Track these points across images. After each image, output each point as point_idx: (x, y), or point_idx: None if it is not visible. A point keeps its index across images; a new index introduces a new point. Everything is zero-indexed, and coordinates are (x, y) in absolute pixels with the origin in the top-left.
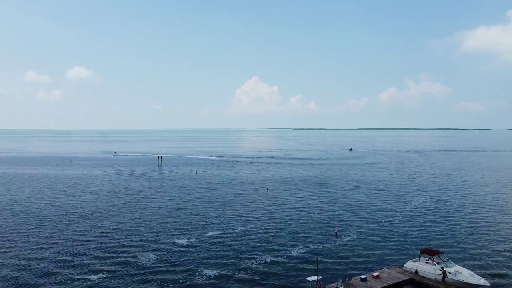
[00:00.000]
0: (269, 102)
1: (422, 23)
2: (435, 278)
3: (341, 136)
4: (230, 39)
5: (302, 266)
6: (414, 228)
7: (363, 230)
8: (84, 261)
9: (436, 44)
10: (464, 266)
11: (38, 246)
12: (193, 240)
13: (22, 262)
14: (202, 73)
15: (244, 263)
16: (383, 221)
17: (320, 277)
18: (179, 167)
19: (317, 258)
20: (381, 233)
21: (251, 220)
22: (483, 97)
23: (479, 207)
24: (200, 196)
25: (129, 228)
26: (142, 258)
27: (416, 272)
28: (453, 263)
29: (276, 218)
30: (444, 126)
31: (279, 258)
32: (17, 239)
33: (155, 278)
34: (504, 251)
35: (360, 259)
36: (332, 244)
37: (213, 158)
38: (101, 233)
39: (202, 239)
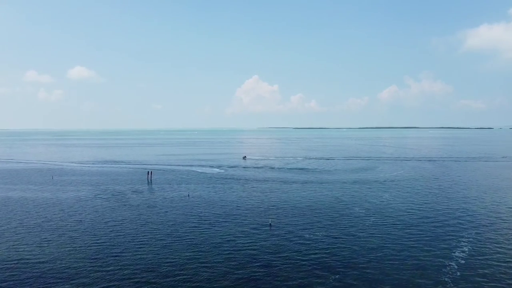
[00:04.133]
0: (270, 101)
1: (424, 21)
2: None
3: (345, 138)
4: (230, 38)
5: None
6: None
7: None
8: None
9: (438, 42)
10: None
11: None
12: None
13: None
14: (202, 72)
15: None
16: None
17: None
18: (171, 185)
19: None
20: None
21: None
22: (484, 95)
23: None
24: (188, 241)
25: None
26: None
27: None
28: None
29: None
30: (445, 125)
31: None
32: None
33: None
34: None
35: None
36: None
37: (211, 171)
38: None
39: None
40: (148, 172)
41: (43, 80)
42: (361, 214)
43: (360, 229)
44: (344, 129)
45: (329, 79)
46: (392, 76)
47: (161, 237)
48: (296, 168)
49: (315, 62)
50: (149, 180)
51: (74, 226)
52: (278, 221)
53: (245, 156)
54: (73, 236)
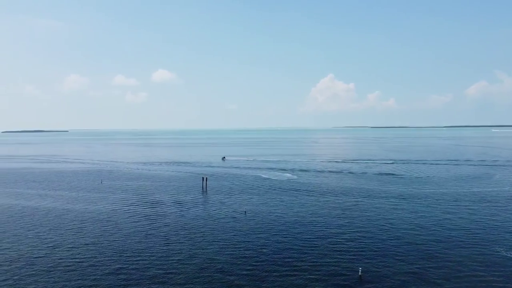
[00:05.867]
0: (345, 99)
1: None
2: None
3: (431, 137)
4: (304, 39)
5: None
6: None
7: None
8: None
9: None
10: None
11: None
12: None
13: None
14: (276, 73)
15: None
16: None
17: None
18: (227, 196)
19: None
20: None
21: None
22: None
23: None
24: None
25: None
26: None
27: None
28: None
29: None
30: None
31: None
32: None
33: None
34: None
35: None
36: None
37: (279, 176)
38: None
39: None
40: (203, 178)
41: (130, 84)
42: None
43: None
44: (427, 128)
45: (409, 75)
46: (481, 70)
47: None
48: (383, 174)
49: (393, 58)
50: (204, 187)
51: (106, 252)
52: (372, 269)
53: (224, 157)
54: (100, 270)
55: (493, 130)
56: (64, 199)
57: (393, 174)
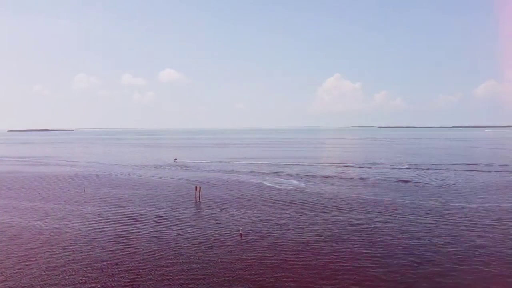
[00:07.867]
0: (351, 99)
1: None
2: None
3: (444, 138)
4: (311, 38)
5: None
6: None
7: None
8: None
9: None
10: None
11: None
12: None
13: None
14: (284, 71)
15: None
16: None
17: None
18: (222, 210)
19: None
20: None
21: None
22: None
23: None
24: None
25: None
26: None
27: None
28: None
29: None
30: None
31: None
32: None
33: None
34: None
35: None
36: None
37: (285, 184)
38: None
39: None
40: (196, 187)
41: (137, 83)
42: None
43: None
44: (435, 128)
45: (416, 75)
46: (489, 69)
47: None
48: (399, 181)
49: (400, 57)
50: (197, 198)
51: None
52: None
53: (175, 159)
54: None
55: (486, 130)
56: (33, 214)
57: (410, 181)
